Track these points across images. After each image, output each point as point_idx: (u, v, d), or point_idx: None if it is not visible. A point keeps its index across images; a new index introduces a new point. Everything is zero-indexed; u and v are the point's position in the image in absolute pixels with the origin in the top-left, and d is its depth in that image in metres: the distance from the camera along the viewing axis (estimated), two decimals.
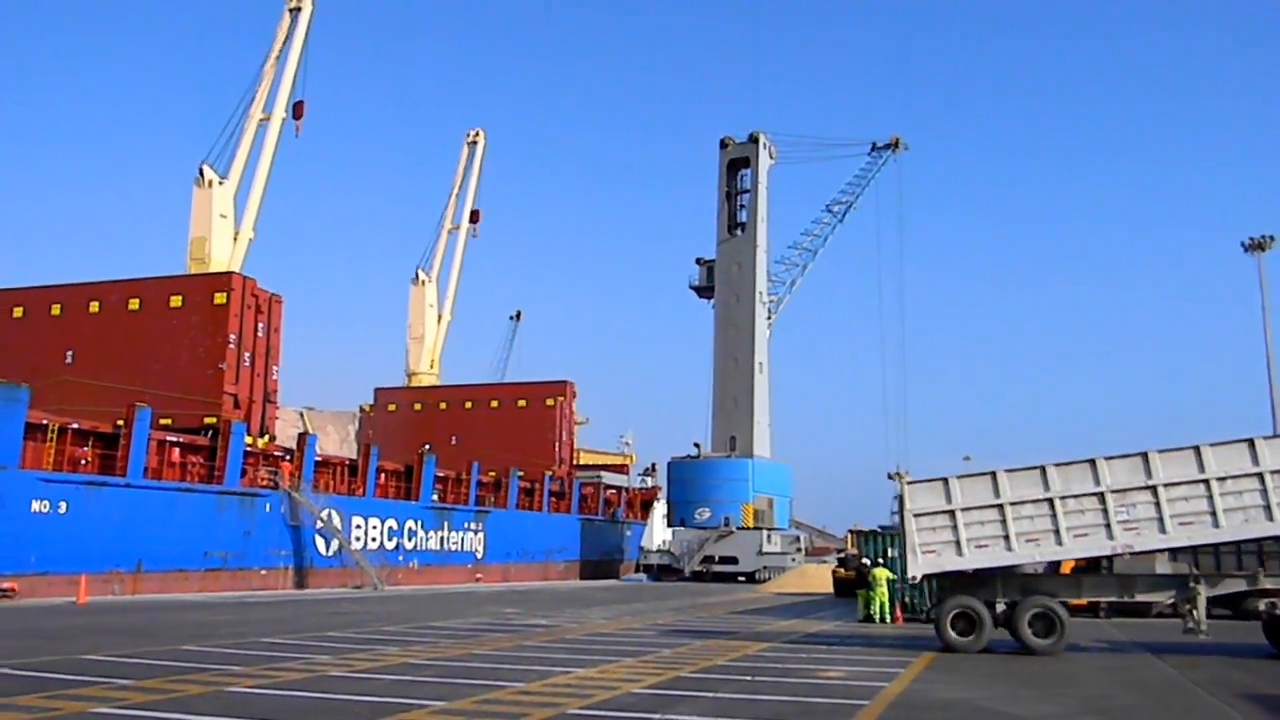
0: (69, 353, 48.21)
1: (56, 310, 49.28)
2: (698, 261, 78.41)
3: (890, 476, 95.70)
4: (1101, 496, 20.42)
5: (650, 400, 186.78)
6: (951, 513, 20.92)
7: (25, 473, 36.47)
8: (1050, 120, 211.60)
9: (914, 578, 21.29)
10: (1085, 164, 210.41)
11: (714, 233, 76.26)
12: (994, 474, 21.01)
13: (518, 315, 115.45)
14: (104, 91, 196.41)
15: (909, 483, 21.39)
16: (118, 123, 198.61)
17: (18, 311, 49.83)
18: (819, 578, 53.27)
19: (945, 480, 21.19)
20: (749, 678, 16.62)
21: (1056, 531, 20.49)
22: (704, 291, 77.75)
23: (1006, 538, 20.64)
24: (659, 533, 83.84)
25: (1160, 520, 20.15)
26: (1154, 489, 20.23)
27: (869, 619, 30.42)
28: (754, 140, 75.70)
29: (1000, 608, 21.40)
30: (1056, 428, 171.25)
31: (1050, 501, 20.56)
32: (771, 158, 76.45)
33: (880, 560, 31.93)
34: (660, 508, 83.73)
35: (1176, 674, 18.15)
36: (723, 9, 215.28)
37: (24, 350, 48.37)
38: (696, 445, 72.28)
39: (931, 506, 21.05)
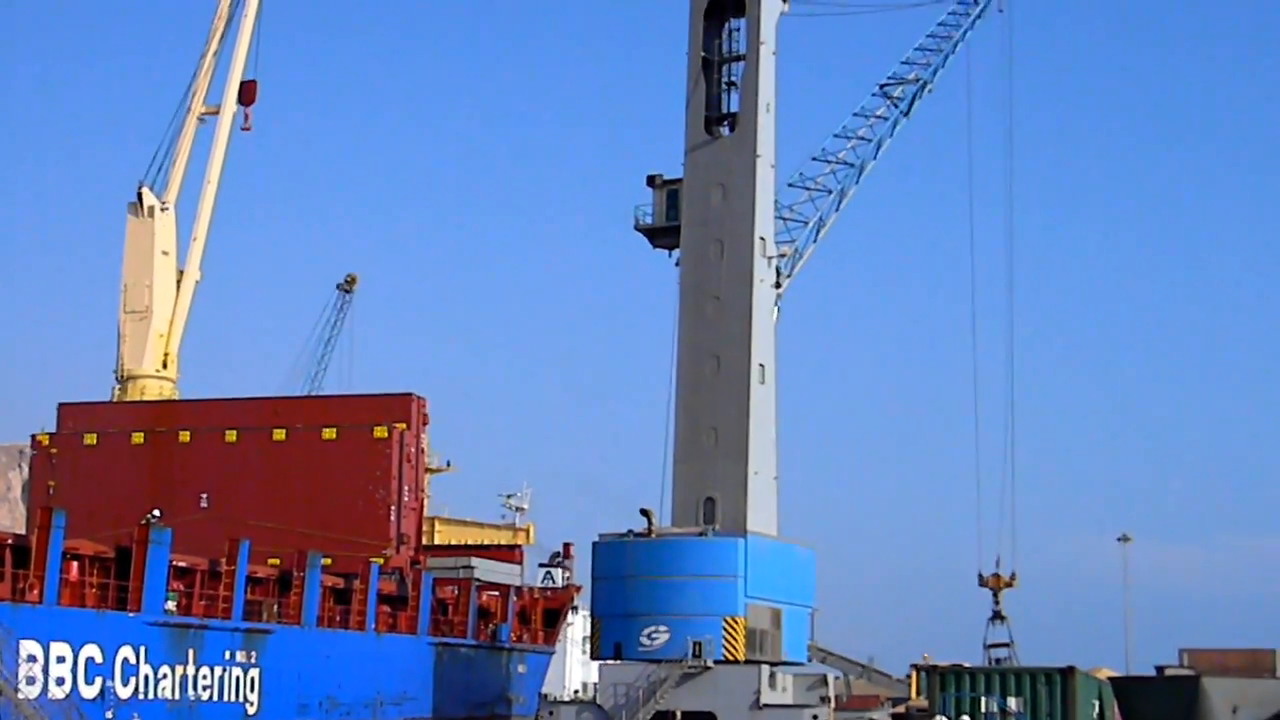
0: None
1: None
2: (651, 183, 78.25)
3: (983, 582, 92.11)
4: None
5: (561, 434, 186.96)
6: None
7: None
8: None
9: None
10: None
11: (680, 133, 76.63)
12: None
13: (349, 282, 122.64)
14: None
15: None
16: None
17: None
18: None
19: None
20: None
21: None
22: (661, 235, 78.03)
23: None
24: (576, 669, 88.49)
25: None
26: None
27: None
28: None
29: None
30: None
31: None
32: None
33: (966, 716, 32.76)
34: (579, 624, 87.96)
35: None
36: None
37: None
38: (645, 514, 71.88)
39: None
